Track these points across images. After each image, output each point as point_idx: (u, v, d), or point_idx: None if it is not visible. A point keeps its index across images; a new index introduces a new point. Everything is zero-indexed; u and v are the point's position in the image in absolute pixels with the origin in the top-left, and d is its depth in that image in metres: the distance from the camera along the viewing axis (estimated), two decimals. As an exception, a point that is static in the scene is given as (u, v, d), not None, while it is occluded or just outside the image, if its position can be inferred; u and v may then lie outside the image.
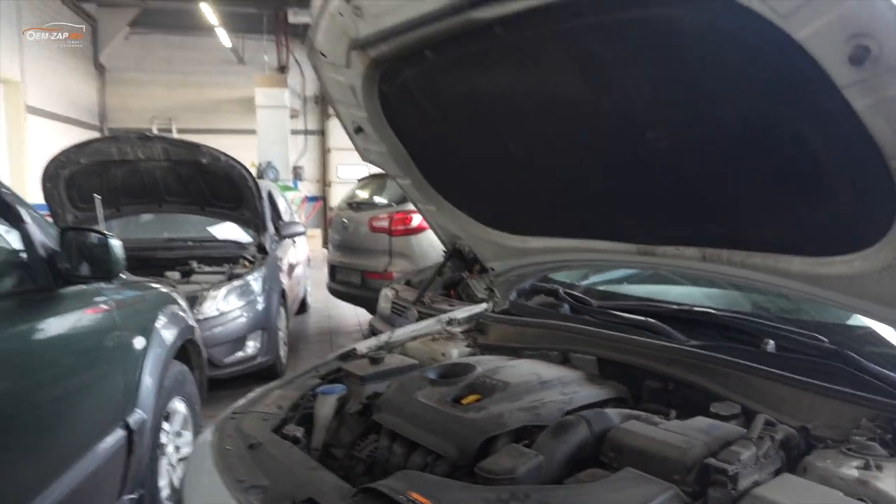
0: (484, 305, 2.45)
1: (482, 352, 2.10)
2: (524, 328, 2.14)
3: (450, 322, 2.32)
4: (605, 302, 2.31)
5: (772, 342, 1.69)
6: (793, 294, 1.60)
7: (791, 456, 1.27)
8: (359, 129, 2.01)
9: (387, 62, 1.76)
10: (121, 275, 2.25)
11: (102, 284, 2.27)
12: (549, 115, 1.64)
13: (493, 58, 1.57)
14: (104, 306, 2.33)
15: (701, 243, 1.65)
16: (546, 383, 1.60)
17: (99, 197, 4.02)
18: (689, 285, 2.42)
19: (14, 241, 1.98)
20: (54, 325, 2.00)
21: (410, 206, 6.00)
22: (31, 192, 9.51)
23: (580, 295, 2.38)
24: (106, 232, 2.05)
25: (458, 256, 2.37)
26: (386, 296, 4.64)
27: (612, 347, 1.83)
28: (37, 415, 1.85)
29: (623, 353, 1.79)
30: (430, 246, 5.82)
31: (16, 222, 1.93)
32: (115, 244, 2.05)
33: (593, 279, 2.84)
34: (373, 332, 4.41)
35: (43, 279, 1.99)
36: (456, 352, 2.07)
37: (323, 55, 1.82)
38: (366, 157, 2.11)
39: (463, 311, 2.48)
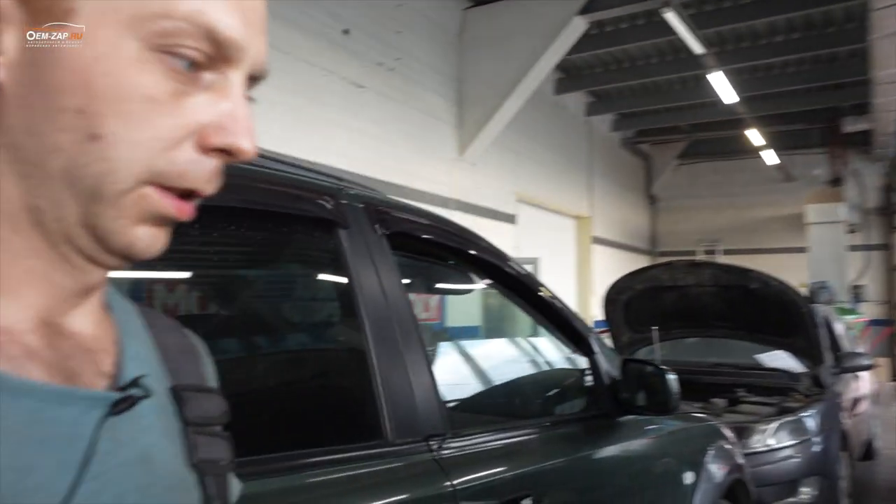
0: None
1: None
2: None
3: None
4: None
5: None
6: None
7: None
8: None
9: None
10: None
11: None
12: None
13: None
14: (656, 435, 2.41)
15: None
16: None
17: (657, 329, 4.27)
18: None
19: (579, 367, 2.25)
20: (613, 451, 2.16)
21: None
22: (595, 310, 10.88)
23: None
24: (663, 367, 2.14)
25: None
26: None
27: None
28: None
29: None
30: None
31: (588, 353, 2.18)
32: (671, 379, 2.11)
33: None
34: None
35: (606, 406, 2.18)
36: None
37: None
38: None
39: None
